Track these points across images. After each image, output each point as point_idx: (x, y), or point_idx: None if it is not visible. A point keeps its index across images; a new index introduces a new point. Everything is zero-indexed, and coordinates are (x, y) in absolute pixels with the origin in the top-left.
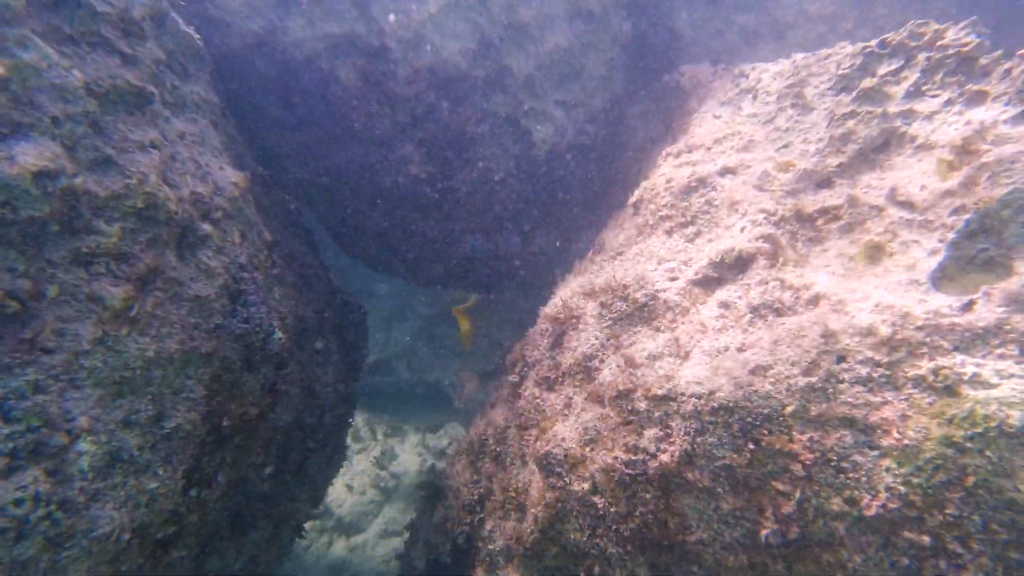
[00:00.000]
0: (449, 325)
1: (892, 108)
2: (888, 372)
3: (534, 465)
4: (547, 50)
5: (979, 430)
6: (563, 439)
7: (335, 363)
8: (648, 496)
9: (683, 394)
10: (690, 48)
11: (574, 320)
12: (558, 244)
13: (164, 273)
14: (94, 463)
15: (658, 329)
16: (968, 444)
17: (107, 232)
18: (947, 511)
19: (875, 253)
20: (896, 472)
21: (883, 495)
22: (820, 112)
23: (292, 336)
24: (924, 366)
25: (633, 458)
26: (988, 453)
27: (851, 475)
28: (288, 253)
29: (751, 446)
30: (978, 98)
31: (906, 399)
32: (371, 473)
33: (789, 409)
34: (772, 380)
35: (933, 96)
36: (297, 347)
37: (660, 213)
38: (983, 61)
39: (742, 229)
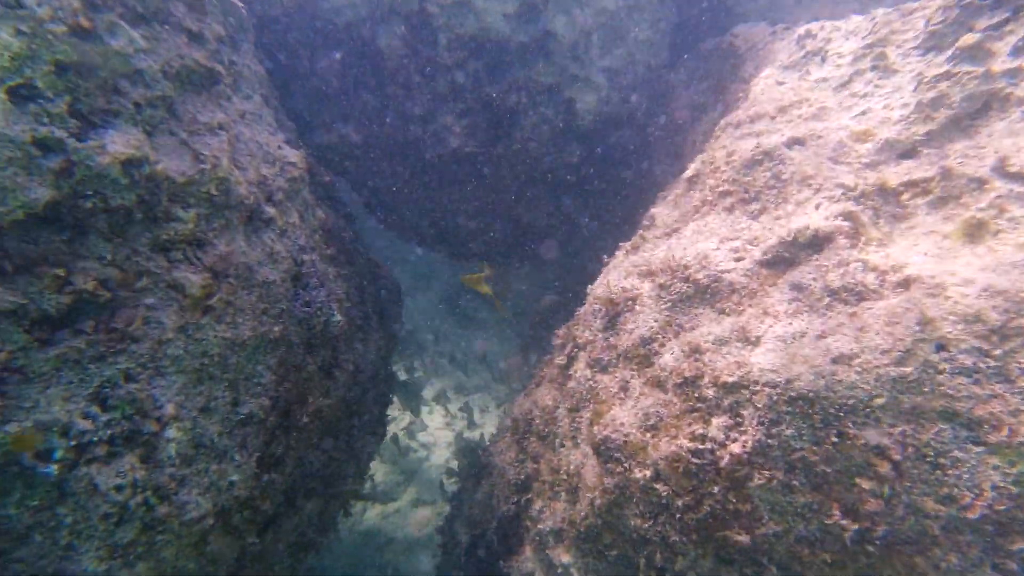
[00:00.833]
0: (472, 295)
1: (996, 67)
2: (999, 364)
3: (588, 448)
4: (594, 13)
5: None
6: (621, 424)
7: (375, 340)
8: (716, 487)
9: (756, 382)
10: (737, 8)
11: (630, 301)
12: (601, 216)
13: (236, 259)
14: (180, 449)
15: (722, 312)
16: None
17: (184, 218)
18: None
19: (976, 231)
20: (1006, 471)
21: (989, 494)
22: (905, 75)
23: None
24: None
25: (700, 447)
26: None
27: (950, 472)
28: (331, 228)
29: (834, 439)
30: None
31: (1021, 393)
32: (402, 443)
33: (879, 401)
34: (858, 369)
35: None
36: (347, 326)
37: (720, 188)
38: None
39: (817, 206)
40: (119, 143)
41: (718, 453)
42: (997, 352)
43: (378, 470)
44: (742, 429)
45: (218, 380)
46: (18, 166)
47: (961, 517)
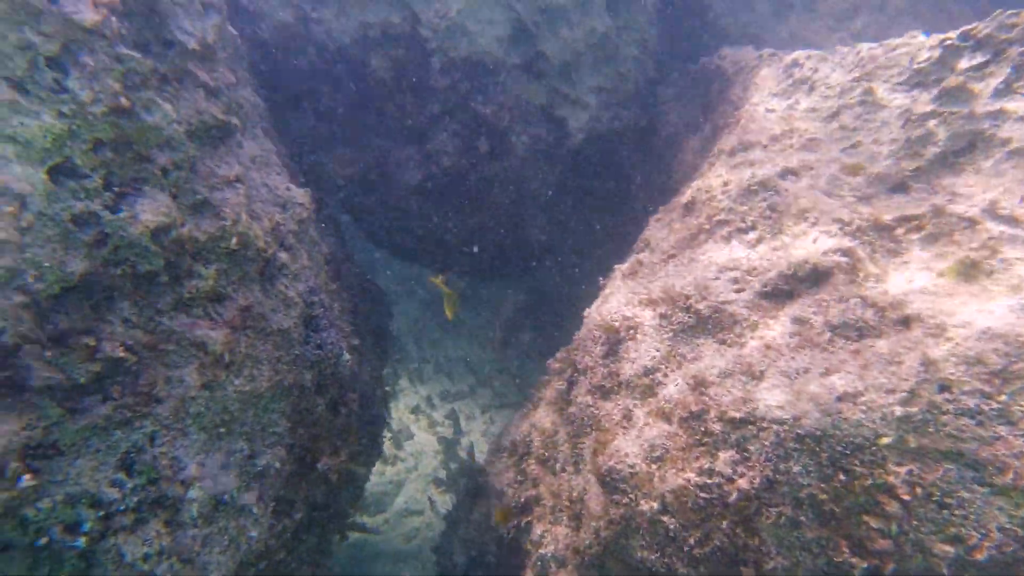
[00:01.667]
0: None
1: (979, 108)
2: (1001, 406)
3: (592, 477)
4: (583, 34)
5: None
6: (626, 455)
7: (370, 360)
8: (724, 522)
9: (764, 418)
10: (719, 21)
11: (631, 330)
12: (592, 232)
13: (255, 311)
14: (202, 509)
15: (724, 343)
16: None
17: (205, 275)
18: None
19: (970, 270)
20: (1012, 513)
21: (996, 536)
22: (892, 110)
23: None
24: None
25: (708, 481)
26: None
27: (957, 512)
28: (328, 253)
29: (841, 476)
30: None
31: (1023, 436)
32: (389, 452)
33: (885, 440)
34: (864, 408)
35: None
36: (354, 364)
37: (717, 217)
38: None
39: (815, 240)
40: (149, 211)
41: (726, 488)
42: (999, 395)
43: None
44: (749, 464)
45: (237, 434)
46: (56, 243)
47: (968, 558)
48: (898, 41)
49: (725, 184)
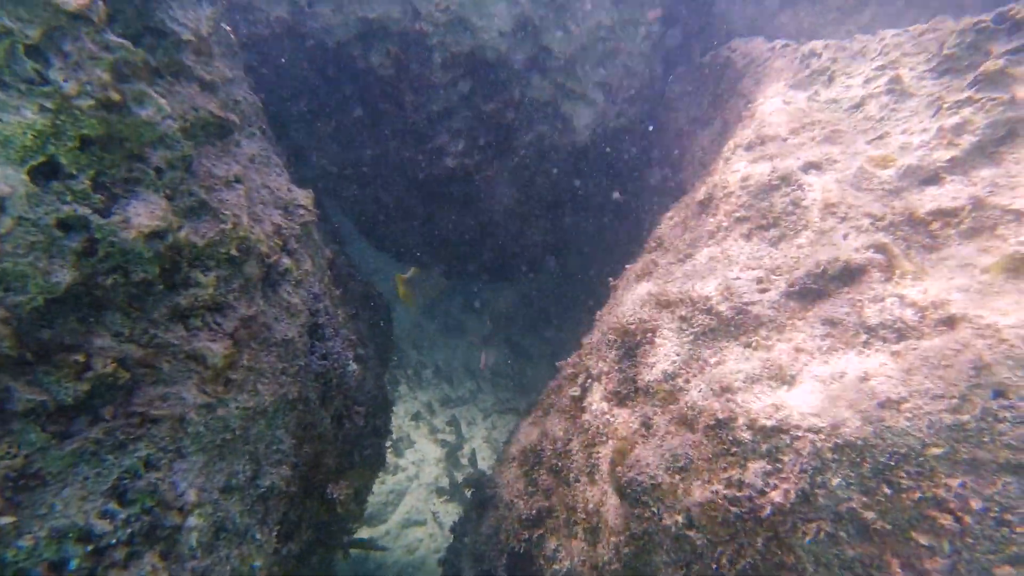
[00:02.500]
0: (454, 303)
1: (1021, 93)
2: None
3: (608, 487)
4: (589, 27)
5: None
6: (647, 465)
7: (373, 368)
8: (757, 537)
9: (798, 427)
10: (724, 14)
11: (648, 333)
12: (600, 231)
13: (257, 320)
14: (201, 538)
15: (748, 346)
16: None
17: (204, 283)
18: None
19: (1019, 266)
20: None
21: None
22: (921, 99)
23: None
24: None
25: (738, 494)
26: None
27: (1018, 529)
28: (331, 257)
29: (885, 489)
30: None
31: None
32: (390, 461)
33: (934, 451)
34: (909, 415)
35: None
36: (360, 374)
37: (736, 214)
38: None
39: (845, 236)
40: (143, 215)
41: (758, 501)
42: None
43: None
44: (783, 476)
45: (239, 454)
46: (40, 250)
47: None
48: (924, 26)
49: (744, 180)
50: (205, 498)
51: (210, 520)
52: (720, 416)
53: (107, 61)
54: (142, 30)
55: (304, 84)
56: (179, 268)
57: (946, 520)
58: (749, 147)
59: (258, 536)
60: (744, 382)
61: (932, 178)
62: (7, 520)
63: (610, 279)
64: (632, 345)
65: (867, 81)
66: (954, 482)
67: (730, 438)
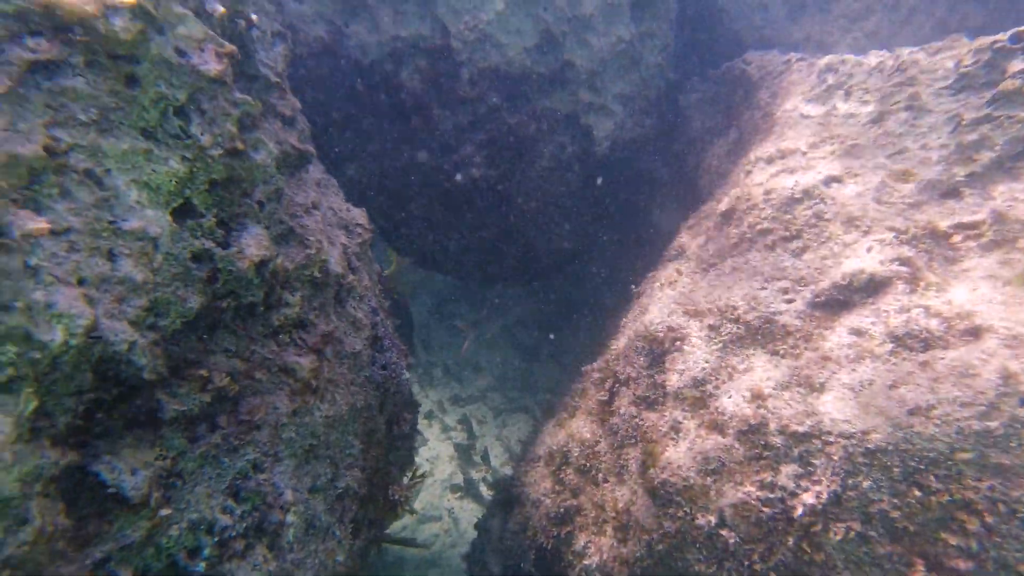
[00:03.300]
0: (462, 302)
1: None
2: None
3: (640, 488)
4: (610, 42)
5: None
6: (679, 467)
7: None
8: (789, 537)
9: (829, 432)
10: (733, 25)
11: (677, 341)
12: (619, 239)
13: (333, 335)
14: (297, 534)
15: (776, 354)
16: None
17: (292, 303)
18: None
19: None
20: None
21: None
22: (939, 115)
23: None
24: None
25: (771, 496)
26: None
27: None
28: (379, 271)
29: (915, 492)
30: None
31: None
32: None
33: (963, 456)
34: (937, 422)
35: None
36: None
37: (760, 226)
38: None
39: (869, 248)
40: (253, 246)
41: (790, 502)
42: None
43: None
44: (814, 479)
45: (322, 458)
46: (179, 281)
47: None
48: (940, 44)
49: (767, 193)
50: (298, 498)
51: (302, 518)
52: (752, 421)
53: (235, 116)
54: (238, 75)
55: (337, 100)
56: (274, 290)
57: (974, 522)
58: (770, 160)
59: (338, 533)
60: (774, 389)
61: (952, 192)
62: (166, 512)
63: (632, 286)
64: (660, 352)
65: (884, 97)
66: (982, 485)
67: (762, 442)
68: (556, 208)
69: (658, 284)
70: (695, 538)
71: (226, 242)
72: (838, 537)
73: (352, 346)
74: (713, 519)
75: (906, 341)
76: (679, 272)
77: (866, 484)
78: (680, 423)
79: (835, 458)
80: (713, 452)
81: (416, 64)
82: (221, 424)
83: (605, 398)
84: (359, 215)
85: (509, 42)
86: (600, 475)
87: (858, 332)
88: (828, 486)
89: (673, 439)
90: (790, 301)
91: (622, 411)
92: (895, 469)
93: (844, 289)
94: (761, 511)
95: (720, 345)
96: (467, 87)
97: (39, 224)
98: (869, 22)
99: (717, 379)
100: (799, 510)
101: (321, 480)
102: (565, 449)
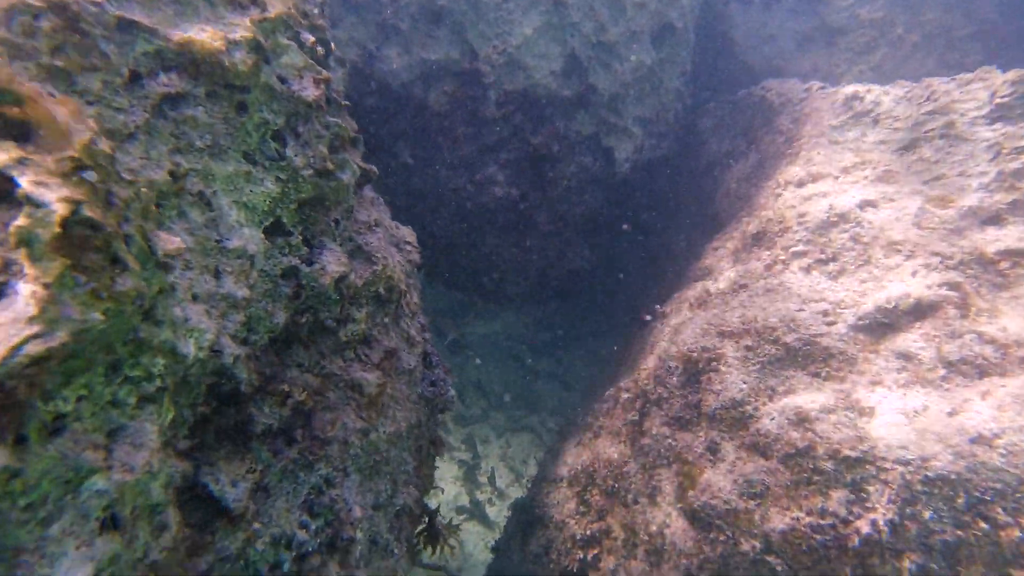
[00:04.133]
0: (463, 322)
1: None
2: None
3: (673, 510)
4: (632, 67)
5: None
6: (720, 490)
7: None
8: (845, 566)
9: (884, 459)
10: (744, 55)
11: (712, 361)
12: (639, 258)
13: (395, 352)
14: (363, 551)
15: (817, 376)
16: None
17: (358, 319)
18: None
19: None
20: None
21: None
22: (977, 144)
23: None
24: None
25: (822, 522)
26: None
27: None
28: (420, 289)
29: (982, 524)
30: None
31: None
32: None
33: None
34: (1003, 452)
35: None
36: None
37: (794, 248)
38: None
39: (913, 273)
40: (333, 263)
41: (843, 530)
42: None
43: None
44: (868, 506)
45: (383, 475)
46: (269, 297)
47: None
48: (971, 76)
49: (800, 216)
50: (365, 514)
51: (367, 535)
52: (799, 445)
53: (327, 138)
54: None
55: (364, 120)
56: (343, 307)
57: None
58: (801, 184)
59: (396, 551)
60: (820, 412)
61: (994, 219)
62: (259, 525)
63: (656, 305)
64: (694, 372)
65: (916, 124)
66: None
67: (810, 467)
68: (575, 228)
69: (687, 304)
70: (738, 563)
71: (309, 259)
72: (897, 568)
73: (408, 363)
74: (759, 544)
75: (960, 367)
76: (708, 292)
77: (927, 514)
78: (718, 444)
79: (892, 486)
80: (756, 475)
81: (444, 86)
82: (298, 439)
83: (636, 418)
84: (407, 233)
85: (535, 65)
86: (630, 496)
87: (907, 356)
88: (884, 514)
89: (711, 460)
90: (831, 323)
91: (654, 432)
92: (959, 500)
93: (889, 312)
94: (812, 538)
95: (758, 367)
96: (493, 108)
97: (176, 244)
98: (874, 56)
99: (756, 400)
100: (855, 540)
101: (383, 497)
102: (591, 470)
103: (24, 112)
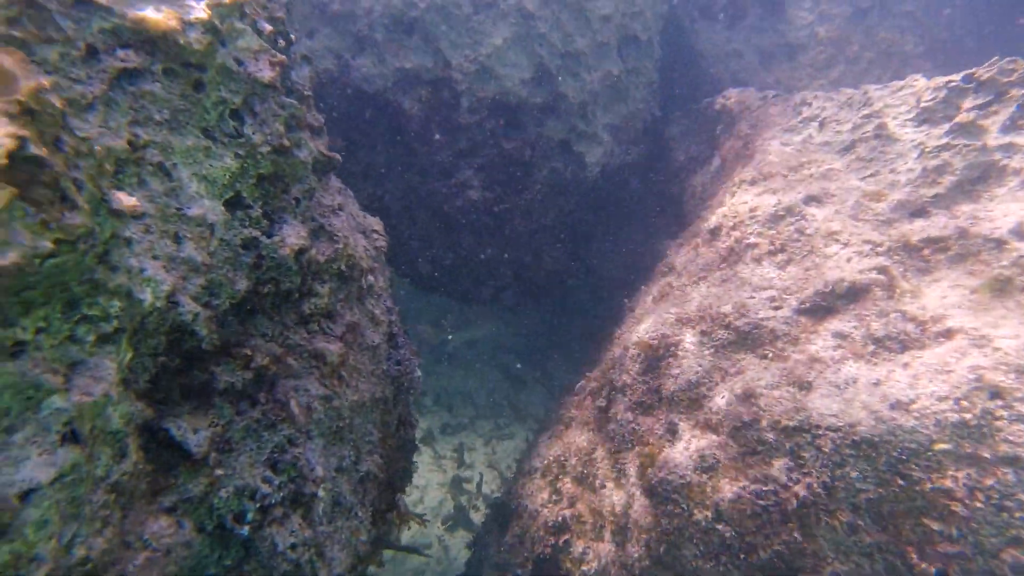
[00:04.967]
0: (451, 332)
1: (990, 141)
2: None
3: (637, 490)
4: (599, 76)
5: None
6: (676, 466)
7: None
8: (783, 527)
9: (818, 426)
10: (711, 68)
11: (671, 347)
12: (608, 259)
13: (357, 326)
14: (326, 508)
15: (765, 357)
16: None
17: (321, 293)
18: None
19: (1003, 286)
20: None
21: None
22: (906, 143)
23: None
24: None
25: (764, 489)
26: None
27: (1018, 515)
28: (389, 278)
29: (899, 481)
30: None
31: None
32: None
33: (941, 446)
34: (917, 415)
35: None
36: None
37: (747, 241)
38: None
39: (848, 260)
40: (293, 236)
41: (783, 495)
42: None
43: None
44: (805, 471)
45: (347, 441)
46: (230, 265)
47: None
48: (901, 83)
49: (752, 210)
50: (327, 475)
51: (330, 494)
52: (745, 418)
53: (283, 117)
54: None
55: (342, 127)
56: (306, 281)
57: (955, 508)
58: (753, 182)
59: (360, 514)
60: (766, 388)
61: (920, 211)
62: (221, 472)
63: (624, 299)
64: (655, 359)
65: (855, 127)
66: (960, 474)
67: (755, 438)
68: (549, 230)
69: (651, 297)
70: (692, 534)
71: (269, 232)
72: (829, 527)
73: (372, 339)
74: (710, 514)
75: (885, 343)
76: (670, 286)
77: (854, 475)
78: (676, 425)
79: (825, 451)
80: (708, 450)
81: (418, 93)
82: (261, 401)
83: (603, 404)
84: (374, 222)
85: (506, 74)
86: (598, 481)
87: (842, 335)
88: (818, 478)
89: (669, 441)
90: (777, 308)
91: (619, 417)
92: (880, 460)
93: (827, 296)
94: (756, 504)
95: (712, 350)
96: (466, 115)
97: (132, 202)
98: (833, 71)
99: (710, 381)
100: (793, 502)
101: (346, 461)
102: (562, 459)
103: None
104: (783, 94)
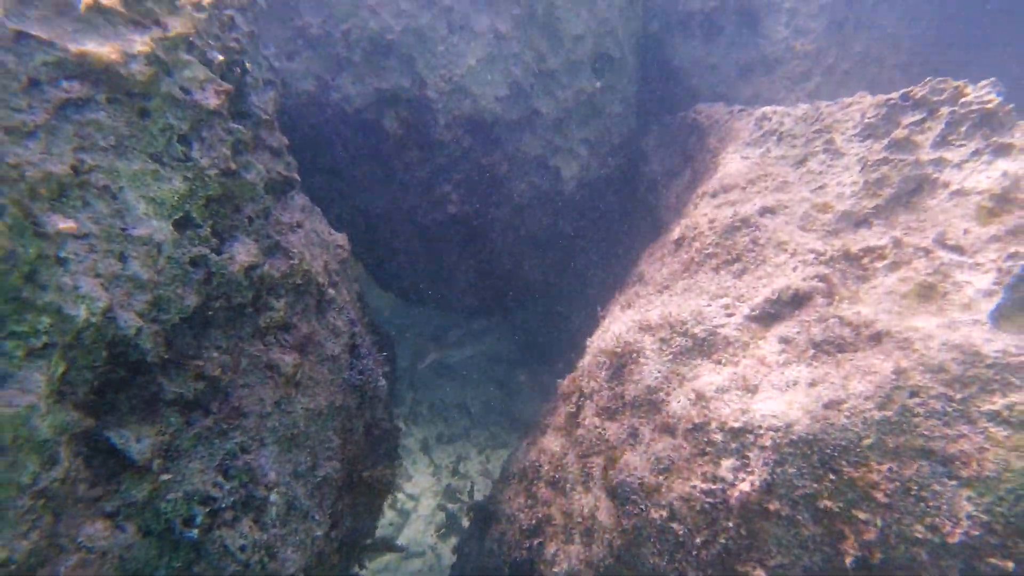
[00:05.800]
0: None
1: (923, 156)
2: (961, 407)
3: (601, 492)
4: (573, 93)
5: None
6: (635, 468)
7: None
8: (729, 524)
9: (760, 427)
10: (689, 81)
11: (634, 354)
12: (584, 269)
13: (314, 338)
14: (279, 512)
15: (719, 362)
16: None
17: (277, 307)
18: None
19: (927, 292)
20: (977, 501)
21: (965, 523)
22: (851, 157)
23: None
24: (998, 402)
25: (712, 487)
26: None
27: (931, 504)
28: (358, 290)
29: (831, 476)
30: (1005, 150)
31: (982, 432)
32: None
33: (867, 441)
34: (847, 414)
35: (960, 146)
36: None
37: (706, 251)
38: (1002, 116)
39: (794, 268)
40: (243, 253)
41: (728, 492)
42: (959, 397)
43: None
44: (749, 469)
45: (303, 447)
46: (179, 281)
47: (943, 544)
48: (850, 100)
49: (711, 222)
50: (281, 480)
51: (284, 498)
52: (696, 421)
53: (229, 141)
54: (235, 113)
55: (324, 146)
56: (261, 295)
57: (879, 498)
58: (714, 194)
59: (317, 517)
60: (716, 392)
61: (863, 222)
62: (166, 477)
63: (598, 307)
64: (620, 365)
65: (808, 141)
66: (883, 467)
67: (705, 439)
68: (528, 242)
69: (619, 307)
70: (650, 533)
71: (219, 249)
72: (770, 521)
73: (331, 350)
74: (665, 513)
75: (824, 347)
76: (637, 295)
77: (791, 471)
78: (637, 429)
79: (766, 449)
80: (664, 452)
81: (396, 112)
82: (213, 410)
83: (573, 411)
84: (339, 238)
85: (481, 92)
86: (568, 485)
87: (786, 340)
88: (760, 475)
89: (631, 445)
90: (730, 315)
91: (587, 423)
92: (814, 456)
93: (775, 303)
94: (704, 501)
95: (671, 356)
96: (443, 131)
97: (68, 224)
98: (810, 83)
99: (668, 386)
100: (735, 497)
101: (302, 467)
102: (537, 464)
103: None
104: (748, 108)
